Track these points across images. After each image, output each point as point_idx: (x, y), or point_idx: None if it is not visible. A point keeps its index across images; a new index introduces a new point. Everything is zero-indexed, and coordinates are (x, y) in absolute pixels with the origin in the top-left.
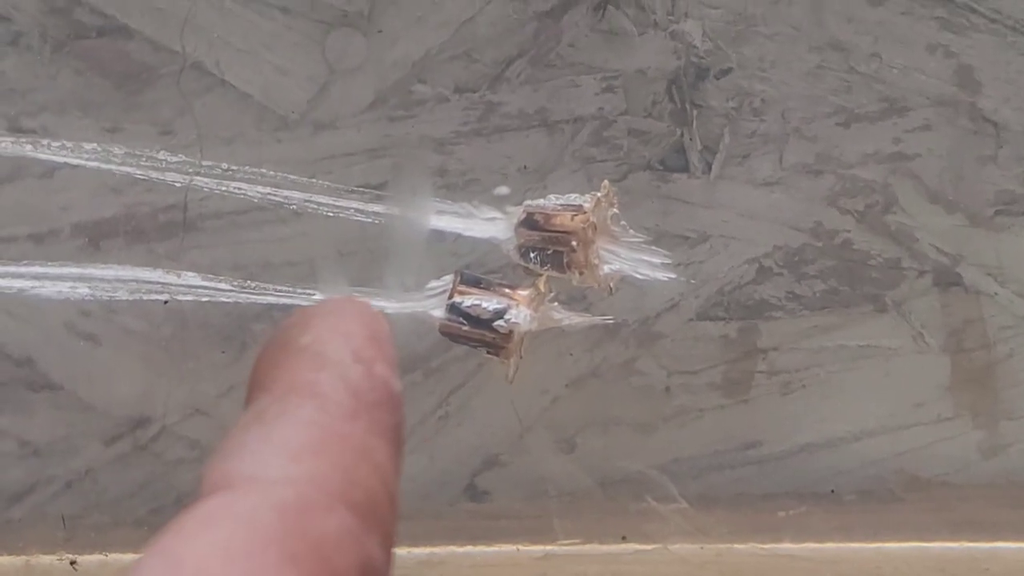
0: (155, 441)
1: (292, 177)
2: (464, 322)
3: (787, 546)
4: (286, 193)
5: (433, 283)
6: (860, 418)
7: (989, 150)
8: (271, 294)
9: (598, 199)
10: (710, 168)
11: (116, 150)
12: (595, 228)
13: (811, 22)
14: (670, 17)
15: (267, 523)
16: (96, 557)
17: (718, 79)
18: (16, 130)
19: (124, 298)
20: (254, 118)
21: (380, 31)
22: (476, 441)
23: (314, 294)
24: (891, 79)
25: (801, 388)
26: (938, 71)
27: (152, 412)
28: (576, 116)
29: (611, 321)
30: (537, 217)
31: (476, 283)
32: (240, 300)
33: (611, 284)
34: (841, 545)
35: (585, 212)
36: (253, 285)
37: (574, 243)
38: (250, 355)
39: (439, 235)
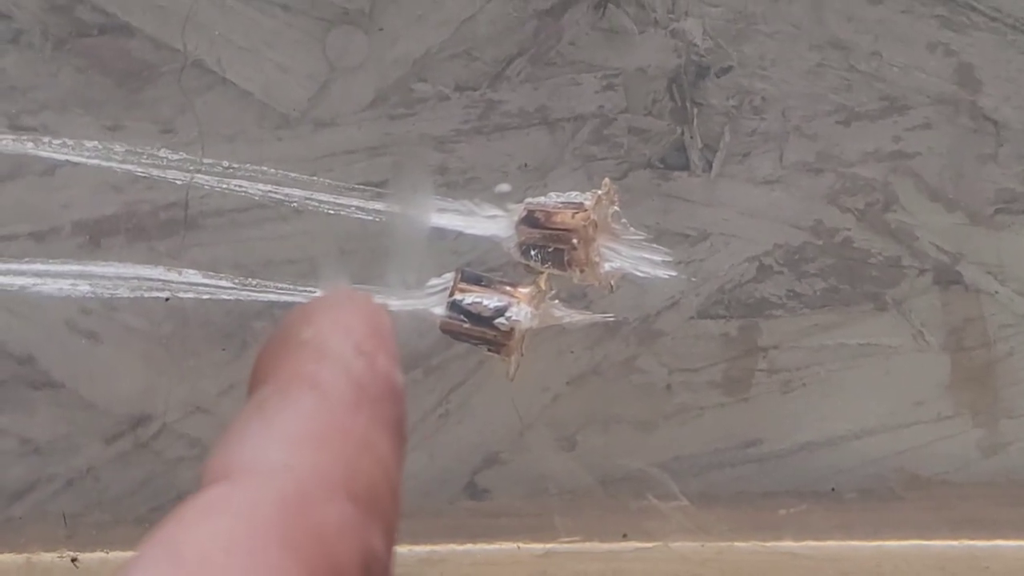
0: (156, 439)
1: (293, 175)
2: (465, 320)
3: (788, 544)
4: (287, 191)
5: (434, 281)
6: (860, 416)
7: (989, 148)
8: (272, 292)
9: (599, 197)
10: (710, 166)
11: (117, 148)
12: (596, 226)
13: (811, 20)
14: (670, 15)
15: (267, 513)
16: (97, 555)
17: (718, 77)
18: (17, 128)
19: (125, 295)
20: (255, 116)
21: (381, 29)
22: (477, 439)
23: (315, 292)
24: (891, 77)
25: (801, 386)
26: (938, 69)
27: (153, 410)
28: (577, 114)
29: (612, 319)
30: (538, 215)
31: (477, 281)
32: (241, 298)
33: (612, 282)
34: (842, 543)
35: (586, 210)
36: (254, 283)
37: (575, 241)
38: (251, 353)
39: (440, 233)
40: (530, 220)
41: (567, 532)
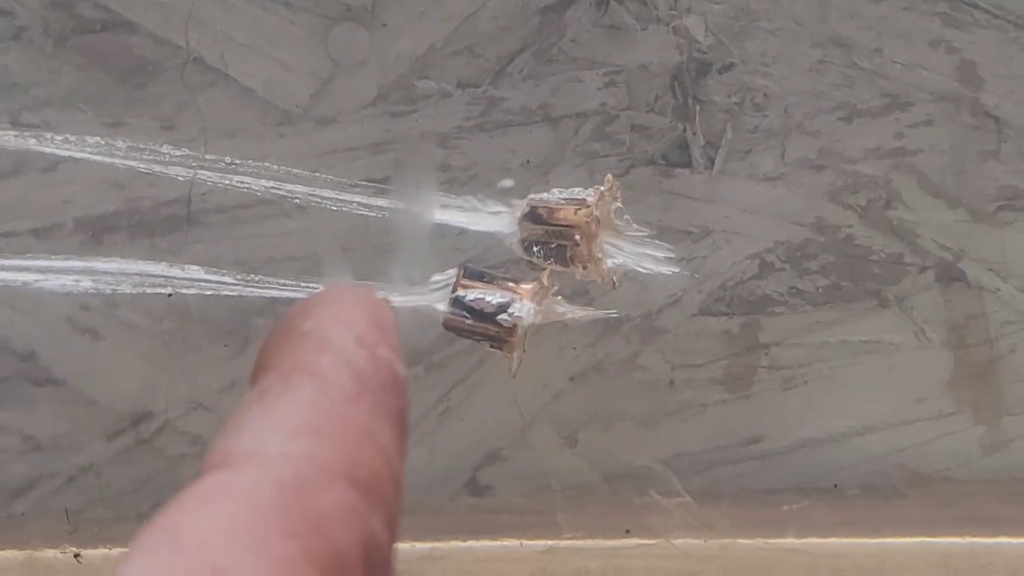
0: (157, 436)
1: (295, 171)
2: (467, 316)
3: (790, 541)
4: (289, 187)
5: (437, 277)
6: (862, 413)
7: (991, 145)
8: (274, 288)
9: (601, 193)
10: (712, 163)
11: (119, 144)
12: (598, 222)
13: (813, 17)
14: (672, 12)
15: (267, 498)
16: (100, 551)
17: (720, 74)
18: (19, 124)
19: (127, 291)
20: (257, 112)
21: (383, 26)
22: (478, 436)
23: (318, 288)
24: (893, 74)
25: (803, 383)
26: (940, 67)
27: (154, 407)
28: (579, 111)
29: (614, 315)
30: (541, 211)
31: (480, 277)
32: (243, 294)
33: (614, 278)
34: (844, 540)
35: (589, 206)
36: (256, 279)
37: (577, 237)
38: (253, 350)
39: (442, 229)
40: (533, 216)
41: (569, 529)
